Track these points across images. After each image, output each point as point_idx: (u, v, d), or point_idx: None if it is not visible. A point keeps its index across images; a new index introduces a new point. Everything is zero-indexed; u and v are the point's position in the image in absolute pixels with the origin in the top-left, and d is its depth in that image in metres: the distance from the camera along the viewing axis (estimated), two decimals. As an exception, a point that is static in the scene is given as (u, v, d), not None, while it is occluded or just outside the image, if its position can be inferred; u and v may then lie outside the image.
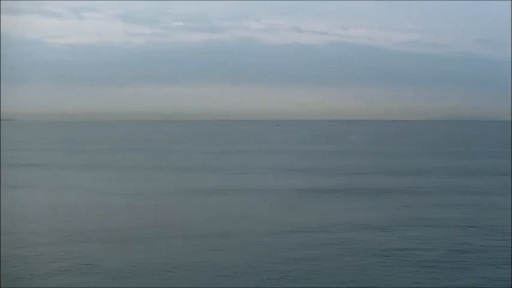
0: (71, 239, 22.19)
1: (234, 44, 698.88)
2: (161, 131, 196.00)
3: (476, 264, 18.89)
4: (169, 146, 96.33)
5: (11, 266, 18.27)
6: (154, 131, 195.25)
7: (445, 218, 26.95)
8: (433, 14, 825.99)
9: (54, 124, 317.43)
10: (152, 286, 16.71)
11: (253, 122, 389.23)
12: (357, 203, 32.14)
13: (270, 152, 77.54)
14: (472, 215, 28.00)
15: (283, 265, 18.55)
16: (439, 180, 43.20)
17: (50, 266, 18.35)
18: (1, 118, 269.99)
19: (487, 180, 43.50)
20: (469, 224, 25.63)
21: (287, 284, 16.86)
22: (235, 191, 36.70)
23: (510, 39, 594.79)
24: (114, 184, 40.84)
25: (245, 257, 19.55)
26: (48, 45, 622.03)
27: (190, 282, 16.87)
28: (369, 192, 36.39)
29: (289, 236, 23.07)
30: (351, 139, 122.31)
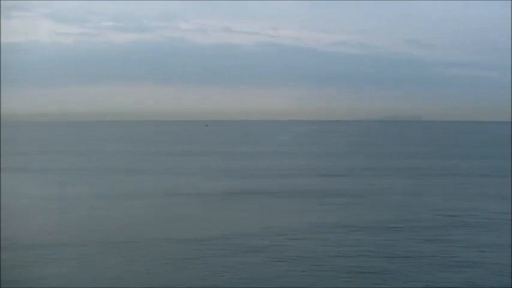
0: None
1: (164, 44, 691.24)
2: (92, 131, 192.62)
3: (410, 271, 17.64)
4: (97, 147, 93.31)
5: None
6: (85, 131, 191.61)
7: (374, 221, 25.77)
8: (362, 14, 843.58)
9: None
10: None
11: (183, 123, 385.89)
12: (283, 206, 30.68)
13: (200, 153, 75.22)
14: (401, 216, 26.95)
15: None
16: (368, 181, 42.19)
17: None
18: None
19: (418, 181, 42.78)
20: (398, 226, 24.54)
21: None
22: (156, 195, 34.91)
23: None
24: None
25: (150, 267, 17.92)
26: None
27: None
28: (296, 194, 35.13)
29: (208, 242, 21.41)
30: (281, 140, 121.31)
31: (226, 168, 52.69)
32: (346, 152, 76.71)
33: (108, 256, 19.28)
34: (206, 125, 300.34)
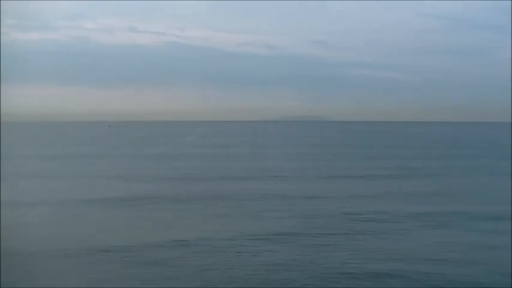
0: None
1: (68, 43, 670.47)
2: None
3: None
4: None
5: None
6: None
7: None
8: (268, 15, 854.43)
9: None
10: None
11: (86, 124, 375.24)
12: (181, 212, 29.19)
13: (100, 156, 71.95)
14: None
15: None
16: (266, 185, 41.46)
17: None
18: None
19: (315, 183, 42.47)
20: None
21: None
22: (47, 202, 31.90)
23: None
24: None
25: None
26: None
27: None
28: (202, 198, 33.62)
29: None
30: (187, 141, 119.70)
31: (128, 171, 50.60)
32: (253, 154, 76.10)
33: None
34: (109, 126, 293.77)
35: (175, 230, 24.40)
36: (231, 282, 16.78)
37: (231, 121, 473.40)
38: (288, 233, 23.46)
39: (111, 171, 51.22)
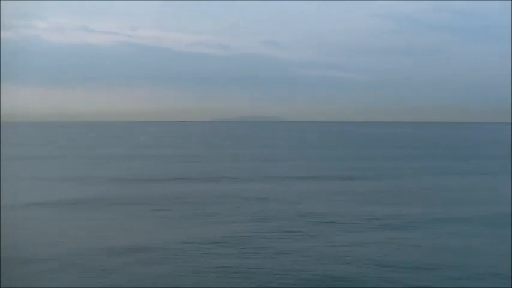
0: None
1: (20, 42, 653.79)
2: None
3: None
4: None
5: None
6: None
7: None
8: (220, 15, 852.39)
9: None
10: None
11: (36, 124, 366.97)
12: (128, 216, 28.45)
13: (47, 157, 70.30)
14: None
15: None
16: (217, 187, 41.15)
17: None
18: None
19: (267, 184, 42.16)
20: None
21: None
22: None
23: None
24: None
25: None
26: None
27: None
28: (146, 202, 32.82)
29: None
30: (139, 141, 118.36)
31: (77, 172, 49.58)
32: (204, 155, 75.64)
33: None
34: (61, 126, 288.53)
35: (120, 235, 23.78)
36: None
37: (184, 121, 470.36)
38: (241, 236, 23.19)
39: (58, 173, 50.11)
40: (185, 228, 25.25)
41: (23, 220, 27.07)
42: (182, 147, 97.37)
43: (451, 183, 43.02)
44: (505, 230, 24.72)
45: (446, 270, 18.46)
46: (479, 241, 22.71)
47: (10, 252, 20.31)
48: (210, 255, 20.09)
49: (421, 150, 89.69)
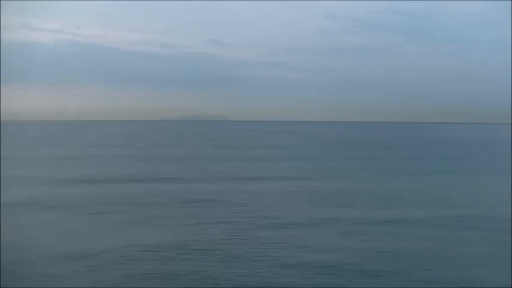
0: None
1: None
2: None
3: None
4: None
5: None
6: None
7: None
8: (164, 13, 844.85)
9: None
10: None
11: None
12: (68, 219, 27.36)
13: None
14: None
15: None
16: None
17: None
18: None
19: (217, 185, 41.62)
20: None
21: None
22: None
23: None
24: None
25: None
26: None
27: None
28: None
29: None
30: (83, 141, 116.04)
31: (17, 173, 47.67)
32: (146, 155, 74.57)
33: None
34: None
35: (58, 240, 22.87)
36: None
37: (129, 121, 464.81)
38: (186, 240, 22.67)
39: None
40: (127, 231, 24.57)
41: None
42: (127, 147, 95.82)
43: (393, 184, 43.54)
44: (446, 232, 24.91)
45: (384, 274, 18.32)
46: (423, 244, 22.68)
47: None
48: (154, 261, 19.54)
49: (365, 150, 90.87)
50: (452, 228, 25.60)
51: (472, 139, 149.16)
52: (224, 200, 33.68)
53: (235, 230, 24.84)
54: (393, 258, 20.13)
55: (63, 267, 18.60)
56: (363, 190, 39.39)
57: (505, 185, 41.89)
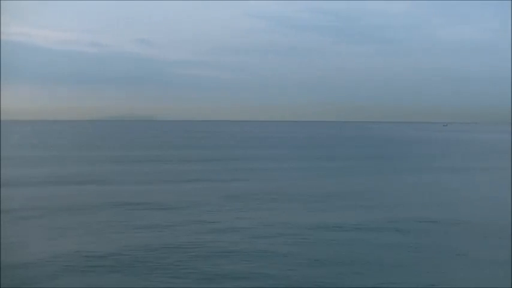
0: None
1: None
2: None
3: None
4: None
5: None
6: None
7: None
8: (93, 13, 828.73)
9: None
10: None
11: None
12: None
13: None
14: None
15: None
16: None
17: None
18: None
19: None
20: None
21: None
22: None
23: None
24: None
25: None
26: None
27: None
28: None
29: None
30: (10, 141, 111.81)
31: None
32: (76, 156, 72.32)
33: None
34: None
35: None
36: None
37: (55, 121, 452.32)
38: (120, 247, 21.49)
39: None
40: (56, 239, 23.12)
41: None
42: (54, 147, 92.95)
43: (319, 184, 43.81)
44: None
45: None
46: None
47: None
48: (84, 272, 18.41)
49: (293, 150, 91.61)
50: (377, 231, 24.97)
51: (392, 137, 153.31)
52: (153, 203, 32.81)
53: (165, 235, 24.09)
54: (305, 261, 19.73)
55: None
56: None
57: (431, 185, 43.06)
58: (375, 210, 30.65)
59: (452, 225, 26.50)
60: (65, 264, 18.92)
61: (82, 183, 42.24)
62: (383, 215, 28.76)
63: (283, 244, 22.16)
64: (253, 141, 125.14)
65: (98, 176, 47.06)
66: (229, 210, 30.29)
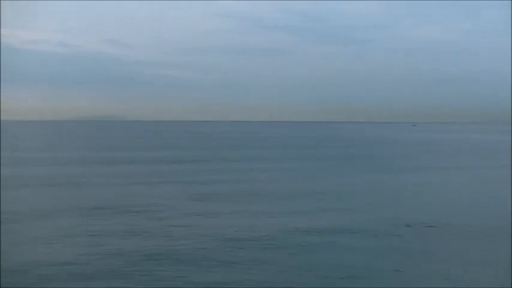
0: None
1: None
2: None
3: None
4: None
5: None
6: None
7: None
8: (62, 13, 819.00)
9: None
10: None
11: None
12: None
13: None
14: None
15: None
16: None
17: None
18: None
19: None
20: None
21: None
22: None
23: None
24: None
25: None
26: None
27: None
28: None
29: None
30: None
31: None
32: (30, 158, 70.80)
33: None
34: None
35: None
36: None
37: (20, 121, 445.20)
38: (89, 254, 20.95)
39: None
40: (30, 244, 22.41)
41: None
42: (22, 149, 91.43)
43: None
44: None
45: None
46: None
47: None
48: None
49: (266, 150, 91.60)
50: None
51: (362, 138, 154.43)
52: (121, 205, 32.28)
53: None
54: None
55: None
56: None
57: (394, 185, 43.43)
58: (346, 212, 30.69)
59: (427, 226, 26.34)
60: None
61: (50, 186, 41.63)
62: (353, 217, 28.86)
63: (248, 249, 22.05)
64: (225, 142, 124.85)
65: (63, 179, 46.36)
66: (195, 213, 29.88)
